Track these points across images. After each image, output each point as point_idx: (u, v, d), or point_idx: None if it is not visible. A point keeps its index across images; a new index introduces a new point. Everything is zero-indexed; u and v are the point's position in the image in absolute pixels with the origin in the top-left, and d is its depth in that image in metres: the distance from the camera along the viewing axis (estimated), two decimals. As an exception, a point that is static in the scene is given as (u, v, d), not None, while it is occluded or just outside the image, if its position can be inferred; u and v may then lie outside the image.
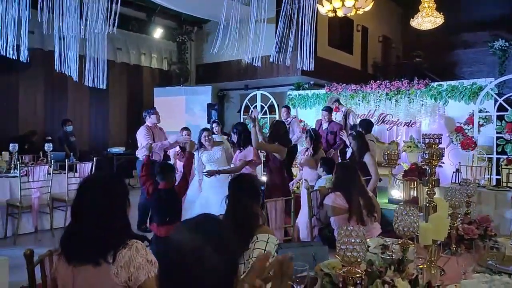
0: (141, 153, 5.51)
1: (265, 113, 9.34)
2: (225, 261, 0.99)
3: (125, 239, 1.66)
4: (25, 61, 4.92)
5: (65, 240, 1.69)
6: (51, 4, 4.88)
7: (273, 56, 5.28)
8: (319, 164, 4.46)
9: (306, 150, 5.12)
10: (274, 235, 2.27)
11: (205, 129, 4.94)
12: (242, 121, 7.99)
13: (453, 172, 6.05)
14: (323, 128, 6.37)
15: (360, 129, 5.63)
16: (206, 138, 4.78)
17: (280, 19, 5.19)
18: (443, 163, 5.45)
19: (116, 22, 4.87)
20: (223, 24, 5.01)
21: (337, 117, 7.30)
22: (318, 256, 2.18)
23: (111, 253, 1.60)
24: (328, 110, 6.59)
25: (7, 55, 4.79)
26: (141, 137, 5.57)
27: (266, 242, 2.11)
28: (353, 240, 1.35)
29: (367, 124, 5.97)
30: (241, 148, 4.66)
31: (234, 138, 4.77)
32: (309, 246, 2.63)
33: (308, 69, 5.31)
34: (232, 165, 4.69)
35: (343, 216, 3.13)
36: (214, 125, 6.04)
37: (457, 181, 5.60)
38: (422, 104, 7.51)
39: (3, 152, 5.93)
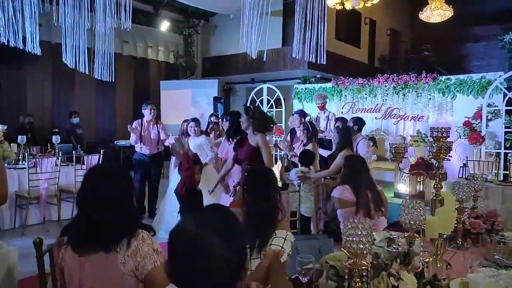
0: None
1: (271, 107, 9.33)
2: (233, 252, 1.00)
3: (134, 227, 1.67)
4: (37, 53, 4.96)
5: (72, 230, 1.71)
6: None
7: (280, 49, 5.28)
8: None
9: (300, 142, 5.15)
10: (290, 231, 2.22)
11: (193, 120, 5.31)
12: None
13: (460, 166, 6.00)
14: (297, 135, 5.67)
15: (353, 125, 5.57)
16: (193, 128, 5.22)
17: (287, 11, 5.15)
18: (451, 156, 5.41)
19: (129, 17, 4.93)
20: (230, 17, 5.00)
21: (320, 116, 7.11)
22: (324, 249, 2.20)
23: (121, 241, 1.61)
24: (301, 114, 6.02)
25: (18, 47, 4.81)
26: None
27: (284, 239, 2.06)
28: (359, 232, 1.35)
29: (357, 123, 5.71)
30: (231, 139, 4.46)
31: (225, 125, 4.64)
32: (315, 239, 2.65)
33: (320, 63, 5.27)
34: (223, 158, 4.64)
35: (350, 209, 3.13)
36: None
37: (464, 176, 5.57)
38: (430, 98, 7.44)
39: (11, 144, 5.99)
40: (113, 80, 5.96)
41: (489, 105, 6.61)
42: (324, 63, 5.24)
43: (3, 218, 5.25)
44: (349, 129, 4.84)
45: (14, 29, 4.70)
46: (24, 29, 4.70)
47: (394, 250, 1.73)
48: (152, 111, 5.90)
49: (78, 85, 9.71)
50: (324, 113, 7.10)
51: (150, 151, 5.83)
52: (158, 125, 5.98)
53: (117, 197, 1.67)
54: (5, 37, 4.73)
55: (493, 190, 4.86)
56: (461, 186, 2.33)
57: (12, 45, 4.75)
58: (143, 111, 5.95)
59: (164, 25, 10.94)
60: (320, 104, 7.13)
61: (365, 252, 1.37)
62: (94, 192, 1.67)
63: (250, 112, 3.93)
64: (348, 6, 5.03)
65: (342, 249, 1.46)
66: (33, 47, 4.80)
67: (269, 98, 9.40)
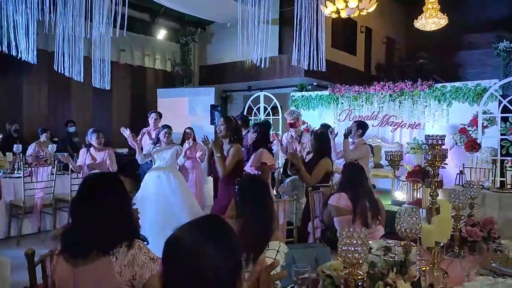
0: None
1: (268, 115, 9.34)
2: (229, 263, 0.99)
3: (132, 236, 1.67)
4: (33, 62, 4.96)
5: (66, 239, 1.69)
6: (55, 5, 4.92)
7: (277, 57, 5.29)
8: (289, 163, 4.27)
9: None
10: (284, 242, 2.20)
11: (166, 126, 5.02)
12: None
13: (457, 174, 6.01)
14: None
15: (357, 128, 5.42)
16: (166, 135, 4.91)
17: (283, 20, 5.19)
18: (446, 164, 5.39)
19: (119, 24, 4.95)
20: (227, 25, 5.02)
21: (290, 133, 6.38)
22: (320, 258, 2.17)
23: (120, 246, 1.61)
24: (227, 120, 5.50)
25: (15, 55, 4.81)
26: None
27: (276, 251, 2.04)
28: (354, 241, 1.34)
29: (361, 126, 5.41)
30: (250, 148, 4.20)
31: (252, 136, 4.20)
32: (311, 247, 2.63)
33: (320, 70, 5.25)
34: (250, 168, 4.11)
35: (347, 217, 3.11)
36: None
37: (460, 183, 5.57)
38: (426, 106, 7.48)
39: (7, 153, 5.96)
40: (110, 88, 6.00)
41: (484, 112, 6.64)
42: (324, 70, 5.26)
43: (-2, 227, 5.20)
44: (325, 136, 4.49)
45: (10, 37, 4.70)
46: (19, 38, 4.70)
47: (390, 259, 1.72)
48: (154, 119, 6.00)
49: (75, 94, 9.70)
50: (294, 132, 6.15)
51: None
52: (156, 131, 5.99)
53: (114, 204, 1.66)
54: (0, 45, 4.74)
55: (490, 197, 4.87)
56: (458, 194, 2.33)
57: (7, 53, 4.76)
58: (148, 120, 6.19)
59: (161, 34, 10.98)
60: (289, 121, 6.23)
61: (360, 261, 1.36)
62: (90, 200, 1.66)
63: (232, 122, 3.85)
64: (343, 14, 5.03)
65: (338, 257, 1.45)
66: (28, 56, 4.80)
67: (266, 105, 9.41)
